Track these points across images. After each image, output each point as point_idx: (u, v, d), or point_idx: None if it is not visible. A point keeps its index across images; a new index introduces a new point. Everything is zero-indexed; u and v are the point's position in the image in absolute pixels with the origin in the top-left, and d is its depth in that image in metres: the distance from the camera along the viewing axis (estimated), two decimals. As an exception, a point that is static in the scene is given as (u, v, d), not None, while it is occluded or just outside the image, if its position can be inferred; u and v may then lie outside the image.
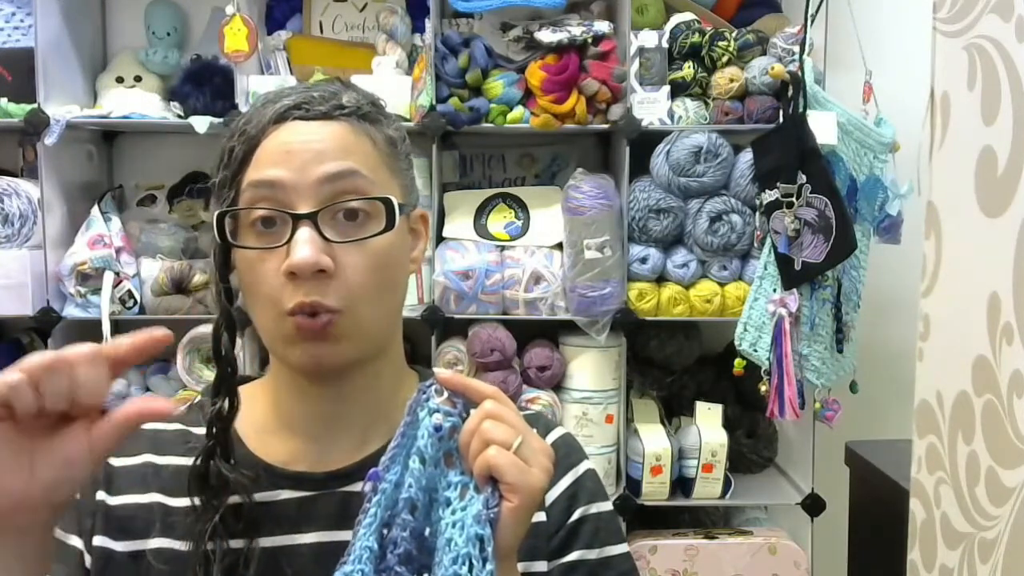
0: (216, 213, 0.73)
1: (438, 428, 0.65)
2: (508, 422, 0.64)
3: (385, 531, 0.65)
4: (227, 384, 0.75)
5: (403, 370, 0.84)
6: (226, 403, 0.75)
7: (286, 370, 0.78)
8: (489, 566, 0.60)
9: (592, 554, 0.80)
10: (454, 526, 0.62)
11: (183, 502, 0.75)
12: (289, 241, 0.70)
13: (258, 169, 0.72)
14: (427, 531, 0.65)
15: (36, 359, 0.58)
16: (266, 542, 0.75)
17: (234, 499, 0.74)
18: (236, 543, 0.73)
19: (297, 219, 0.70)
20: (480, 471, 0.63)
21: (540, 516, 0.80)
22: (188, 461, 0.75)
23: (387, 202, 0.73)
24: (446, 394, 0.67)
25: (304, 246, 0.69)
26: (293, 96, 0.75)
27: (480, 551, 0.61)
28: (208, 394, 0.77)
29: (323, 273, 0.70)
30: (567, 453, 0.84)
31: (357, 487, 0.75)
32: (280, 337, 0.73)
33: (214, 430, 0.74)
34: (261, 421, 0.80)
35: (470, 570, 0.60)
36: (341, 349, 0.72)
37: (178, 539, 0.75)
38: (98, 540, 0.76)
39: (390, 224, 0.73)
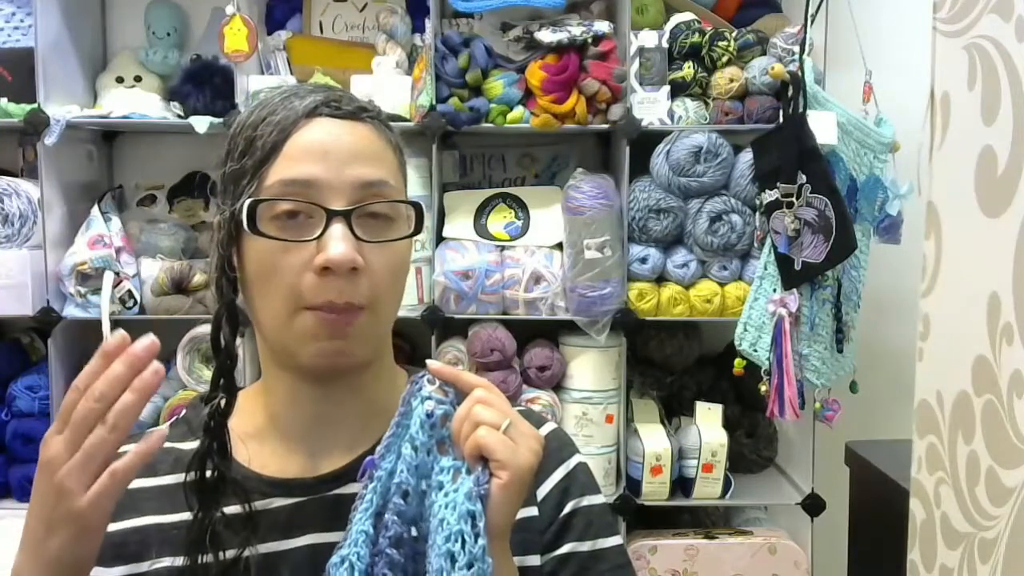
0: (248, 202, 0.72)
1: (430, 415, 0.67)
2: (497, 407, 0.66)
3: (379, 518, 0.67)
4: (227, 376, 0.75)
5: (394, 372, 0.85)
6: (224, 398, 0.75)
7: (280, 372, 0.78)
8: (481, 541, 0.62)
9: (584, 546, 0.80)
10: (447, 507, 0.64)
11: (177, 517, 0.76)
12: (320, 236, 0.71)
13: (290, 164, 0.72)
14: (420, 516, 0.67)
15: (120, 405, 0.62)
16: (260, 548, 0.75)
17: (230, 509, 0.73)
18: (232, 552, 0.73)
19: (332, 215, 0.71)
20: (470, 451, 0.65)
21: (532, 511, 0.80)
22: (177, 478, 0.75)
23: (417, 207, 0.76)
24: (437, 383, 0.69)
25: (340, 242, 0.70)
26: (319, 94, 0.75)
27: (472, 527, 0.62)
28: (196, 406, 0.77)
29: (354, 271, 0.71)
30: (558, 447, 0.85)
31: (348, 489, 0.75)
32: (294, 332, 0.72)
33: (212, 424, 0.74)
34: (252, 429, 0.80)
35: (463, 546, 0.62)
36: (357, 347, 0.73)
37: (175, 554, 0.75)
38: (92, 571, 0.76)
39: (418, 228, 0.76)
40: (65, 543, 0.63)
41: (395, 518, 0.65)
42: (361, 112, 0.76)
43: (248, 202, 0.72)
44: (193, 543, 0.72)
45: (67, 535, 0.63)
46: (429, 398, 0.68)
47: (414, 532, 0.67)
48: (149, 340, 0.63)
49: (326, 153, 0.72)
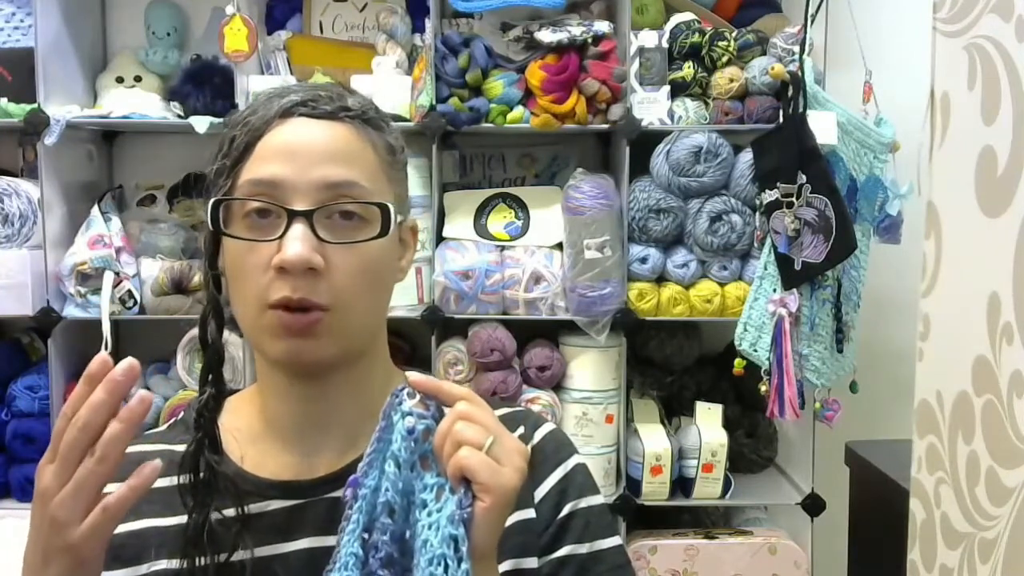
0: (212, 201, 0.73)
1: (411, 431, 0.66)
2: (480, 423, 0.64)
3: (367, 536, 0.65)
4: (215, 372, 0.75)
5: (390, 373, 0.84)
6: (212, 393, 0.75)
7: (271, 371, 0.78)
8: (464, 566, 0.61)
9: (583, 548, 0.80)
10: (430, 527, 0.63)
11: (175, 520, 0.76)
12: (282, 236, 0.71)
13: (259, 164, 0.73)
14: (407, 534, 0.65)
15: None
16: (258, 551, 0.75)
17: (228, 511, 0.74)
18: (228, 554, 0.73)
19: (293, 215, 0.71)
20: (453, 472, 0.63)
21: (530, 512, 0.80)
22: (174, 480, 0.75)
23: (383, 208, 0.74)
24: (418, 397, 0.67)
25: (296, 242, 0.70)
26: (300, 93, 0.75)
27: (455, 551, 0.61)
28: (193, 409, 0.77)
29: (313, 271, 0.70)
30: (556, 449, 0.84)
31: None
32: (261, 329, 0.73)
33: (200, 420, 0.74)
34: (248, 431, 0.80)
35: (445, 570, 0.61)
36: (322, 346, 0.73)
37: (172, 556, 0.75)
38: None
39: (384, 230, 0.74)
40: (63, 573, 0.63)
41: (385, 538, 0.64)
42: (340, 111, 0.75)
43: (212, 201, 0.73)
44: (189, 542, 0.72)
45: (64, 566, 0.63)
46: (410, 413, 0.66)
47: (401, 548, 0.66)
48: (128, 364, 0.62)
49: (293, 153, 0.72)
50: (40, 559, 0.63)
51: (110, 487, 0.63)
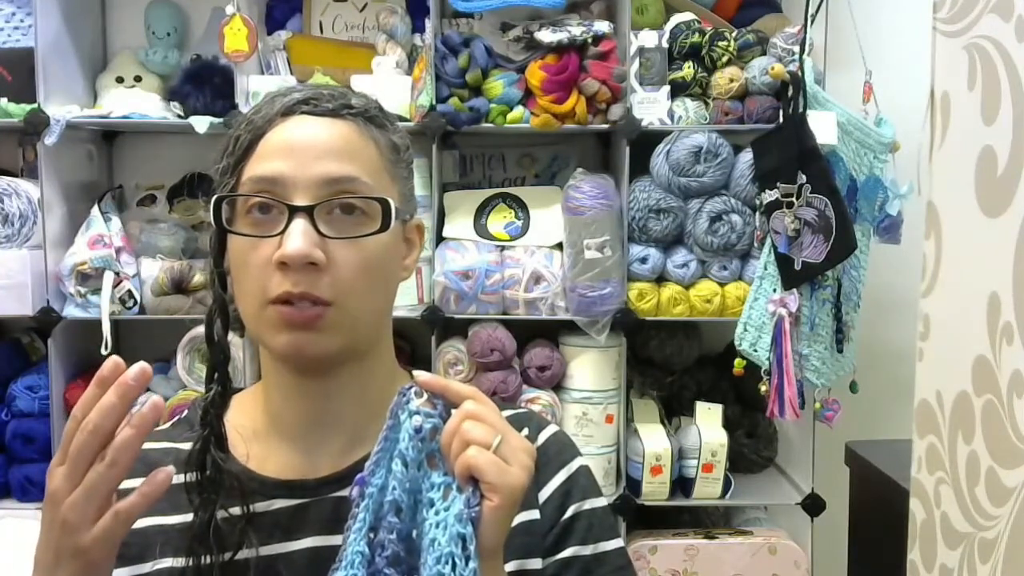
0: (214, 198, 0.74)
1: (418, 430, 0.66)
2: (488, 422, 0.65)
3: (373, 535, 0.65)
4: (221, 369, 0.76)
5: (395, 372, 0.84)
6: (219, 390, 0.75)
7: (275, 368, 0.79)
8: (472, 564, 0.61)
9: (586, 550, 0.80)
10: (437, 526, 0.63)
11: (179, 518, 0.76)
12: (283, 232, 0.71)
13: (261, 161, 0.73)
14: (414, 533, 0.66)
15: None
16: (262, 550, 0.75)
17: (233, 510, 0.74)
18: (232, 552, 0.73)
19: (293, 211, 0.71)
20: (461, 471, 0.63)
21: (534, 514, 0.80)
22: (178, 479, 0.75)
23: (384, 203, 0.74)
24: (426, 396, 0.67)
25: (297, 237, 0.70)
26: (303, 92, 0.76)
27: (463, 550, 0.61)
28: (197, 405, 0.77)
29: (314, 266, 0.71)
30: (560, 450, 0.85)
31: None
32: (264, 324, 0.73)
33: (207, 417, 0.74)
34: (252, 428, 0.80)
35: (453, 569, 0.61)
36: (325, 340, 0.73)
37: (177, 555, 0.75)
38: None
39: (385, 225, 0.74)
40: (73, 575, 0.63)
41: (391, 537, 0.65)
42: (342, 109, 0.76)
43: (214, 198, 0.74)
44: (195, 540, 0.72)
45: (74, 568, 0.63)
46: (417, 412, 0.66)
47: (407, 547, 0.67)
48: (139, 369, 0.62)
49: (294, 150, 0.73)
50: (51, 560, 0.63)
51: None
